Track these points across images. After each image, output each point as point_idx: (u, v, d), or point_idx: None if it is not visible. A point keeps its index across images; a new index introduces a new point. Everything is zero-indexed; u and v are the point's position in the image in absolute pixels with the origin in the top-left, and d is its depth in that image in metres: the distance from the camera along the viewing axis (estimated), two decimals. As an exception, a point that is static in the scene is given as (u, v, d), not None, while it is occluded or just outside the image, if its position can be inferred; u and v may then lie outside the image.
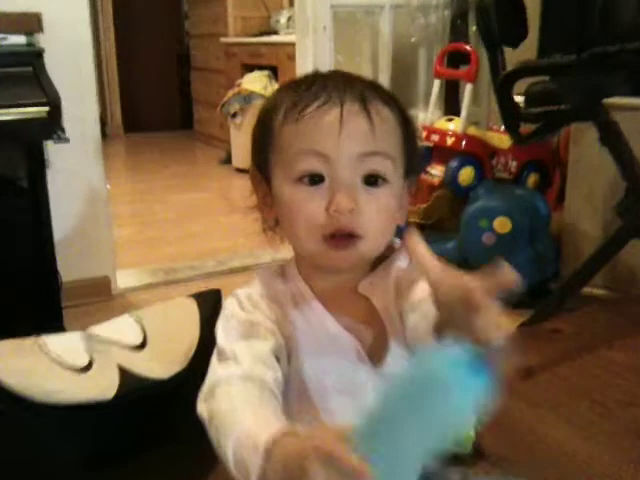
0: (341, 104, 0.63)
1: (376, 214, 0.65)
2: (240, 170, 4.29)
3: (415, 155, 0.72)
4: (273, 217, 0.72)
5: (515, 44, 1.62)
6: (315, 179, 0.64)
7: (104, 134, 5.37)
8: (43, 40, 1.81)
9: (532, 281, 2.13)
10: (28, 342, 0.80)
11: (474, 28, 2.58)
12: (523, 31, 1.66)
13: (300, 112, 0.64)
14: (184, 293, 2.34)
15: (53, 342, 0.81)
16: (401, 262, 0.70)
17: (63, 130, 1.58)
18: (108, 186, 2.52)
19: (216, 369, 0.66)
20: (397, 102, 0.70)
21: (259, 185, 0.72)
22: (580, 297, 1.82)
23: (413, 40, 2.77)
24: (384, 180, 0.66)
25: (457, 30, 2.59)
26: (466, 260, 2.15)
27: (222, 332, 0.70)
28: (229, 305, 0.72)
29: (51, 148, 1.94)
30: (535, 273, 2.14)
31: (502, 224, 2.08)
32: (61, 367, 0.77)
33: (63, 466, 0.75)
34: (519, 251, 2.10)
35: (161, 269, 2.55)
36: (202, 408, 0.63)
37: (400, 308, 0.67)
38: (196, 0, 5.52)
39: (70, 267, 2.08)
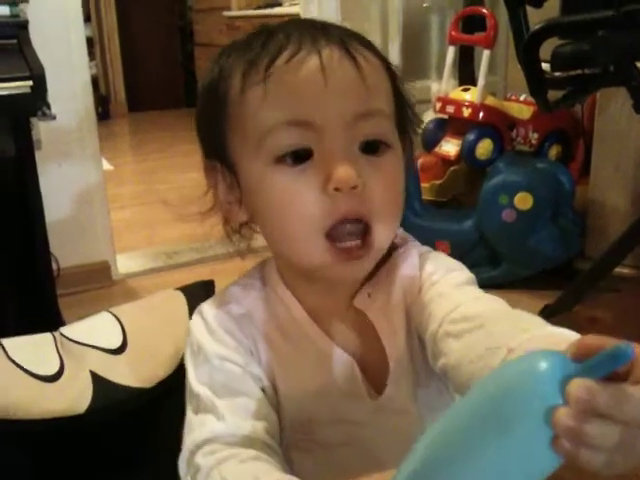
0: (318, 51, 0.48)
1: (385, 189, 0.50)
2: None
3: (407, 110, 0.57)
4: (245, 217, 0.57)
5: (539, 3, 1.48)
6: (300, 155, 0.49)
7: (108, 114, 5.34)
8: (28, 10, 1.69)
9: (556, 260, 2.02)
10: (-14, 347, 0.68)
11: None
12: (547, -11, 1.51)
13: (266, 69, 0.49)
14: (187, 277, 2.24)
15: (15, 346, 0.69)
16: (406, 268, 0.56)
17: (48, 106, 1.46)
18: (110, 166, 2.41)
19: (194, 425, 0.54)
20: (374, 47, 0.54)
21: (218, 178, 0.57)
22: (611, 278, 1.70)
23: (425, 5, 2.63)
24: (387, 145, 0.51)
25: (472, -7, 2.43)
26: (484, 238, 2.04)
27: (192, 370, 0.56)
28: (195, 329, 0.57)
29: (42, 128, 1.83)
30: (559, 251, 2.02)
31: (523, 200, 1.96)
32: (25, 375, 0.65)
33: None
34: (541, 228, 1.99)
35: (164, 252, 2.45)
36: (183, 472, 0.53)
37: (416, 329, 0.54)
38: (198, -27, 5.38)
39: (67, 253, 2.00)
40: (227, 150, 0.54)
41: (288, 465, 0.54)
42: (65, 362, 0.69)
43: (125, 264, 2.31)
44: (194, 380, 0.56)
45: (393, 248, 0.58)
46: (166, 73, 5.91)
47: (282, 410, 0.56)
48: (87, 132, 2.10)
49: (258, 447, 0.51)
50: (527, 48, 1.32)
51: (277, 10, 4.16)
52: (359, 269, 0.52)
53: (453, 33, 2.20)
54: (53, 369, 0.68)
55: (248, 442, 0.51)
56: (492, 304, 0.51)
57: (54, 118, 1.48)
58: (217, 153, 0.55)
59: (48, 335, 0.73)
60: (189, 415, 0.57)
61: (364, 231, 0.50)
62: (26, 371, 0.66)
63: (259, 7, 4.52)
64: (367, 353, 0.57)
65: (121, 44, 5.58)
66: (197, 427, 0.54)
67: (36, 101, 1.44)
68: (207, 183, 0.58)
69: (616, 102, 1.82)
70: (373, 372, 0.57)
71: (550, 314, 1.52)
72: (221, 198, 0.57)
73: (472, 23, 2.30)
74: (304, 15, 2.67)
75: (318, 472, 0.58)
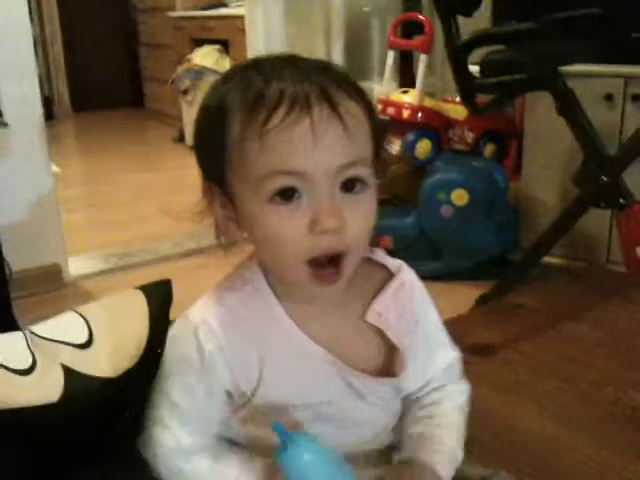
0: (309, 109, 0.54)
1: (362, 224, 0.59)
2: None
3: (382, 142, 0.64)
4: (241, 236, 0.63)
5: (469, 12, 1.59)
6: (289, 194, 0.56)
7: (52, 115, 5.27)
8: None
9: (492, 253, 2.15)
10: (-38, 346, 0.74)
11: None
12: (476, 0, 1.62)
13: (263, 125, 0.54)
14: (139, 278, 2.27)
15: (-8, 343, 0.75)
16: (390, 287, 0.66)
17: (1, 114, 1.49)
18: (57, 169, 2.42)
19: (165, 421, 0.66)
20: (353, 84, 0.60)
21: (218, 202, 0.62)
22: (540, 267, 1.83)
23: (366, 9, 2.72)
24: (363, 184, 0.58)
25: (410, -1, 2.55)
26: (424, 233, 2.15)
27: (175, 377, 0.66)
28: (183, 337, 0.65)
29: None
30: (494, 244, 2.15)
31: (460, 196, 2.08)
32: (3, 369, 0.71)
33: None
34: (478, 223, 2.11)
35: (114, 254, 2.48)
36: (164, 471, 0.65)
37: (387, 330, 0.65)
38: (141, -28, 5.35)
39: (18, 256, 2.00)
40: (226, 182, 0.60)
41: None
42: (37, 357, 0.75)
43: (76, 266, 2.33)
44: (171, 384, 0.66)
45: (392, 274, 0.68)
46: (111, 73, 5.85)
47: (262, 397, 0.64)
48: (36, 136, 2.10)
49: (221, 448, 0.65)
50: (456, 57, 1.42)
51: (223, 11, 4.18)
52: (332, 290, 0.60)
53: (392, 38, 2.30)
54: (26, 364, 0.73)
55: (213, 446, 0.64)
56: (447, 391, 0.71)
57: (6, 125, 1.52)
58: (216, 181, 0.61)
59: (19, 333, 0.79)
60: (153, 409, 0.67)
61: (339, 260, 0.58)
62: (1, 366, 0.72)
63: (204, 8, 4.54)
64: (352, 354, 0.64)
65: (64, 45, 5.51)
66: (168, 428, 0.66)
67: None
68: (204, 198, 0.64)
69: (544, 104, 1.93)
70: (377, 369, 0.66)
71: (483, 302, 1.63)
72: (218, 214, 0.63)
73: (411, 27, 2.41)
74: (249, 19, 2.73)
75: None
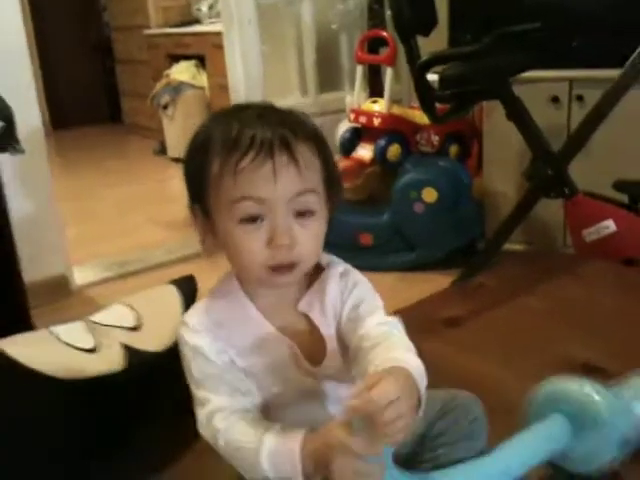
0: (272, 156, 0.72)
1: (309, 242, 0.77)
2: (176, 160, 4.37)
3: (333, 175, 0.81)
4: (216, 245, 0.80)
5: (427, 33, 1.81)
6: (254, 219, 0.75)
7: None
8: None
9: (460, 243, 2.37)
10: (41, 334, 0.94)
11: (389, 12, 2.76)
12: (433, 20, 1.85)
13: (236, 165, 0.73)
14: (140, 284, 2.48)
15: (62, 331, 0.95)
16: (332, 285, 0.83)
17: (18, 141, 1.67)
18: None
19: (200, 400, 0.79)
20: (310, 128, 0.79)
21: (199, 218, 0.81)
22: (502, 254, 2.06)
23: (334, 27, 2.93)
24: (312, 212, 0.77)
25: (375, 14, 2.77)
26: (399, 228, 2.36)
27: (188, 361, 0.80)
28: (184, 334, 0.81)
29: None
30: (463, 235, 2.37)
31: (429, 194, 2.29)
32: (75, 350, 0.92)
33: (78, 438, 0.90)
34: (447, 217, 2.32)
35: (114, 263, 2.65)
36: (208, 434, 0.78)
37: (340, 325, 0.81)
38: (113, -9, 5.49)
39: (26, 268, 2.15)
40: (206, 204, 0.79)
41: None
42: (99, 339, 0.95)
43: (80, 276, 2.51)
44: (192, 368, 0.80)
45: (322, 269, 0.84)
46: (88, 90, 5.97)
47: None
48: (37, 155, 2.25)
49: (252, 413, 0.78)
50: (417, 74, 1.64)
51: (197, 28, 4.33)
52: (288, 279, 0.78)
53: (359, 54, 2.52)
54: (91, 344, 0.94)
55: (244, 410, 0.77)
56: (385, 330, 0.78)
57: (23, 152, 1.69)
58: (199, 202, 0.80)
59: (78, 322, 1.00)
60: (193, 392, 0.81)
61: (292, 268, 0.77)
62: (74, 347, 0.93)
63: (178, 24, 4.67)
64: (309, 341, 0.82)
65: (40, 62, 5.62)
66: (204, 402, 0.79)
67: (8, 139, 1.65)
68: (190, 215, 0.82)
69: (499, 108, 2.14)
70: (313, 351, 0.82)
71: (455, 285, 1.86)
72: (200, 229, 0.82)
73: (377, 41, 2.63)
74: (226, 38, 2.92)
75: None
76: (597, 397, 0.82)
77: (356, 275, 0.85)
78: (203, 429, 0.80)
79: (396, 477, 0.71)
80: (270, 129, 0.74)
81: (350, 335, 0.80)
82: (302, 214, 0.76)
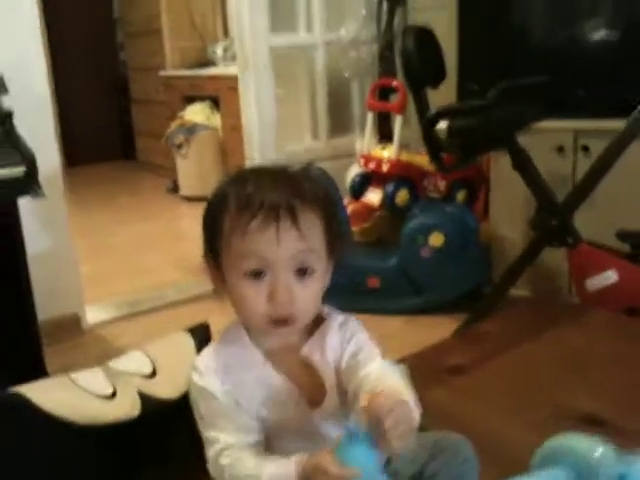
0: (277, 220, 0.79)
1: (308, 300, 0.83)
2: (188, 198, 4.45)
3: (337, 236, 0.87)
4: (225, 292, 0.87)
5: (436, 85, 1.88)
6: (258, 274, 0.82)
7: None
8: (8, 100, 1.95)
9: (467, 287, 2.40)
10: (61, 379, 0.99)
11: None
12: (442, 73, 1.91)
13: (245, 226, 0.80)
14: (151, 323, 2.52)
15: (81, 377, 0.99)
16: (332, 335, 0.88)
17: (39, 186, 1.73)
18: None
19: (210, 440, 0.84)
20: (319, 192, 0.85)
21: (212, 267, 0.87)
22: (508, 300, 2.09)
23: (346, 74, 3.02)
24: (312, 270, 0.84)
25: (386, 62, 2.85)
26: (407, 272, 2.40)
27: (197, 402, 0.85)
28: (195, 378, 0.86)
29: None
30: (469, 279, 2.41)
31: (436, 238, 2.34)
32: (93, 396, 0.96)
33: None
34: (453, 261, 2.37)
35: (126, 302, 2.70)
36: (216, 472, 0.83)
37: (340, 371, 0.87)
38: (131, 32, 5.64)
39: (39, 306, 2.20)
40: (219, 255, 0.85)
41: None
42: (116, 386, 0.99)
43: (92, 315, 2.55)
44: (200, 408, 0.85)
45: (322, 319, 0.90)
46: (103, 127, 6.09)
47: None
48: (56, 199, 2.34)
49: (256, 449, 0.82)
50: (425, 127, 1.70)
51: (212, 71, 4.46)
52: (286, 331, 0.84)
53: (371, 101, 2.60)
54: (109, 391, 0.98)
55: (248, 446, 0.82)
56: (386, 371, 0.83)
57: (44, 196, 1.75)
58: (212, 252, 0.87)
59: (97, 368, 1.04)
60: (202, 433, 0.85)
61: (291, 320, 0.83)
62: (92, 394, 0.97)
63: (193, 66, 4.80)
64: (308, 382, 0.87)
65: (56, 100, 5.74)
66: (213, 441, 0.83)
67: (30, 184, 1.71)
68: (204, 262, 0.89)
69: (506, 156, 2.22)
70: (314, 394, 0.87)
71: (460, 332, 1.89)
72: (212, 275, 0.88)
73: (388, 88, 2.71)
74: (241, 81, 3.01)
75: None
76: (605, 457, 0.84)
77: (354, 325, 0.90)
78: (212, 468, 0.84)
79: None
80: (279, 194, 0.81)
81: (350, 378, 0.85)
82: (302, 272, 0.83)
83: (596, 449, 0.86)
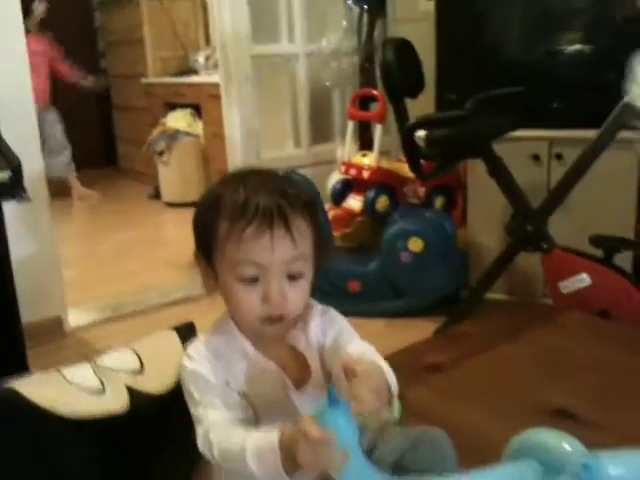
0: (271, 228, 0.83)
1: (298, 299, 0.88)
2: (170, 204, 4.46)
3: (322, 240, 0.92)
4: (216, 289, 0.91)
5: (414, 95, 1.93)
6: (252, 279, 0.86)
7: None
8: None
9: (445, 291, 2.45)
10: (51, 374, 1.02)
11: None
12: (421, 84, 1.97)
13: (240, 233, 0.83)
14: (134, 326, 2.54)
15: (70, 373, 1.02)
16: (315, 322, 0.94)
17: (25, 190, 1.75)
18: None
19: (199, 417, 0.86)
20: (305, 197, 0.89)
21: (203, 265, 0.91)
22: (485, 302, 2.14)
23: (327, 84, 3.07)
24: (301, 275, 0.89)
25: (366, 73, 2.91)
26: (387, 276, 2.45)
27: (189, 384, 0.88)
28: (186, 363, 0.89)
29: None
30: (447, 284, 2.46)
31: (416, 243, 2.39)
32: (83, 392, 0.99)
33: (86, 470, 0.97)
34: (432, 266, 2.41)
35: (109, 305, 2.71)
36: (206, 450, 0.85)
37: (323, 354, 0.92)
38: (112, 40, 5.65)
39: (23, 309, 2.20)
40: (212, 255, 0.89)
41: None
42: (105, 382, 1.02)
43: (75, 318, 2.57)
44: (191, 389, 0.88)
45: (305, 308, 0.94)
46: (84, 134, 6.08)
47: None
48: (40, 201, 2.35)
49: (244, 424, 0.85)
50: (404, 136, 1.75)
51: (194, 79, 4.48)
52: (278, 328, 0.89)
53: (352, 111, 2.65)
54: (99, 387, 1.01)
55: (237, 421, 0.85)
56: (363, 348, 0.90)
57: (30, 200, 1.78)
58: (204, 251, 0.90)
59: (86, 364, 1.07)
60: (192, 412, 0.88)
61: (282, 318, 0.88)
62: (82, 389, 1.00)
63: (175, 74, 4.81)
64: (294, 366, 0.92)
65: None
66: (202, 418, 0.86)
67: (15, 188, 1.74)
68: (195, 259, 0.92)
69: (482, 163, 2.28)
70: (299, 376, 0.91)
71: (438, 333, 1.93)
72: (203, 272, 0.92)
73: (368, 98, 2.77)
74: (224, 91, 3.04)
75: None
76: (571, 449, 0.89)
77: (333, 312, 0.97)
78: (201, 446, 0.87)
79: (359, 466, 0.77)
80: (270, 198, 0.85)
81: (332, 359, 0.90)
82: (293, 277, 0.88)
83: (562, 441, 0.90)
